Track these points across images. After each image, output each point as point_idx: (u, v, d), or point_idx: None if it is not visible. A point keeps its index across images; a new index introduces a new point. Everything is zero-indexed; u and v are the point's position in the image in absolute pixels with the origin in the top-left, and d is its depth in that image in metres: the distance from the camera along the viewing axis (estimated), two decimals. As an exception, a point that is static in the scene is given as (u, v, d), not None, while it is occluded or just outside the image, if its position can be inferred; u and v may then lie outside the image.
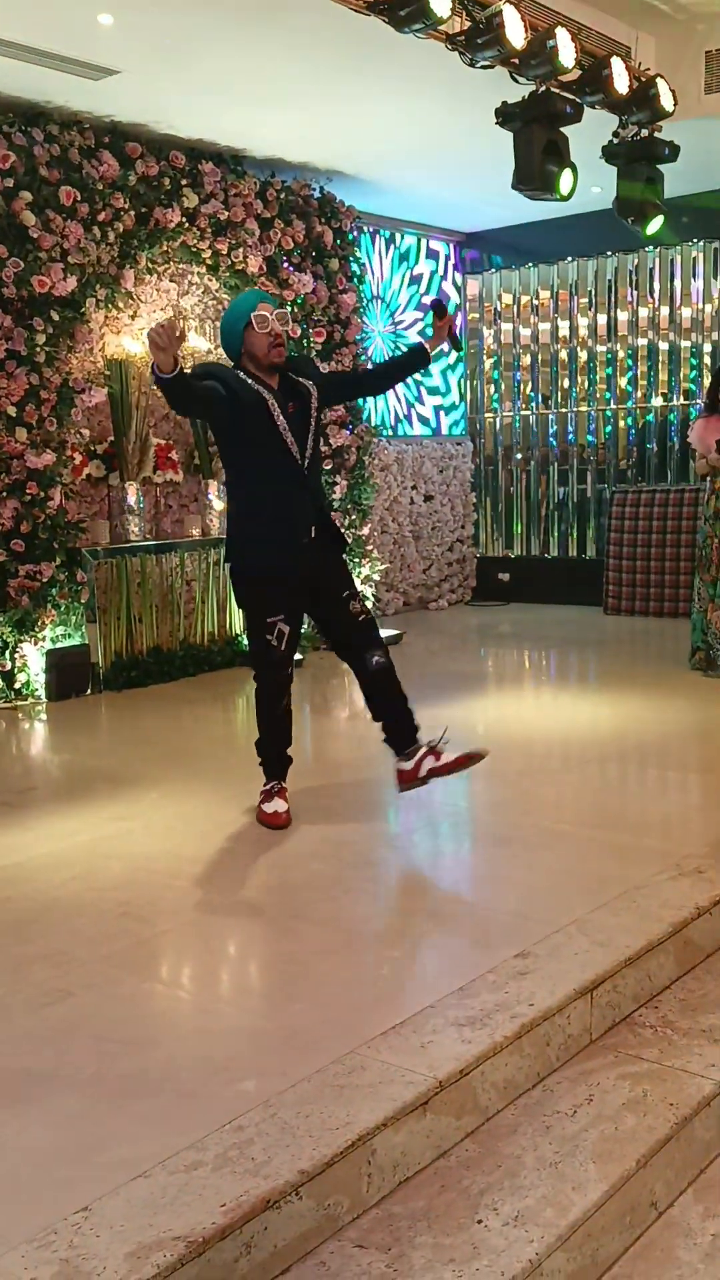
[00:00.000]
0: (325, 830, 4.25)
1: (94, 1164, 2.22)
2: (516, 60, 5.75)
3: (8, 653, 6.51)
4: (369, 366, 4.38)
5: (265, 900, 3.61)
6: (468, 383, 10.80)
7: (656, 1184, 2.54)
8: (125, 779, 4.99)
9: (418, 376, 9.83)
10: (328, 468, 8.16)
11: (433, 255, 10.32)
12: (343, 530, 4.91)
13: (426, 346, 4.36)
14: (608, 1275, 2.38)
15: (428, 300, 4.19)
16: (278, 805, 4.31)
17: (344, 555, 4.42)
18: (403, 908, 3.55)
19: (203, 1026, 2.80)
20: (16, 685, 6.55)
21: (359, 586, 4.86)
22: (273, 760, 4.39)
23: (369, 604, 8.63)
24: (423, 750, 4.27)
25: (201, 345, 7.79)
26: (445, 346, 4.34)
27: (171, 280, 7.55)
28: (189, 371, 3.97)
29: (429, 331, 4.28)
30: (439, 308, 4.35)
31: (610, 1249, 2.39)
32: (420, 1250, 2.19)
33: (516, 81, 5.96)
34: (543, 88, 6.02)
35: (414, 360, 4.44)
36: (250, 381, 4.13)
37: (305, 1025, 2.76)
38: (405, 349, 4.62)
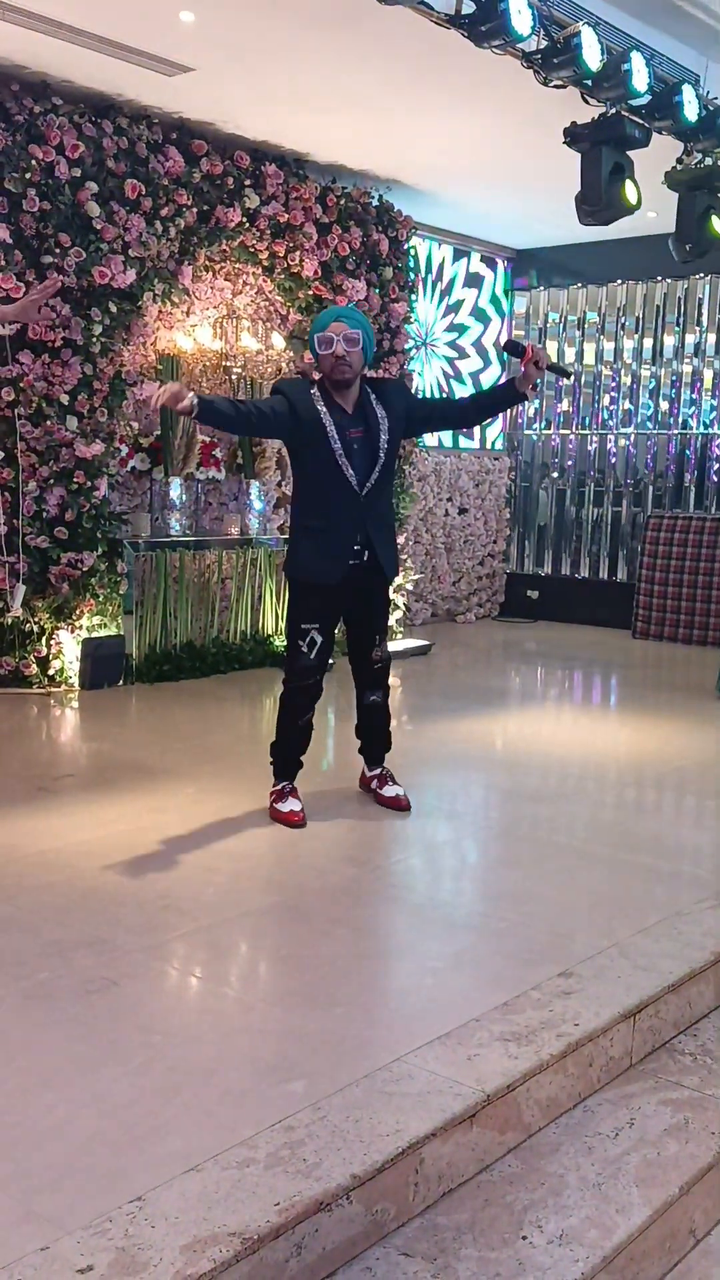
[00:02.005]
0: (358, 836, 4.27)
1: (146, 1154, 2.23)
2: (590, 81, 5.77)
3: (44, 639, 6.54)
4: (461, 397, 4.34)
5: (304, 902, 3.62)
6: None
7: (696, 1211, 2.54)
8: (159, 771, 5.01)
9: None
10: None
11: (480, 270, 10.36)
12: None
13: (517, 386, 4.30)
14: (646, 1300, 2.38)
15: (502, 344, 4.20)
16: (293, 805, 4.42)
17: (388, 591, 4.59)
18: (441, 919, 3.55)
19: (248, 1024, 2.81)
20: (51, 672, 6.58)
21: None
22: (288, 764, 4.50)
23: (399, 613, 8.65)
24: (379, 772, 4.71)
25: (252, 345, 7.82)
26: (554, 377, 4.35)
27: (226, 279, 7.57)
28: (233, 400, 4.12)
29: (518, 371, 4.30)
30: (514, 348, 4.29)
31: (650, 1273, 2.40)
32: (465, 1263, 2.20)
33: (587, 103, 5.98)
34: (613, 110, 6.05)
35: (509, 399, 4.42)
36: (318, 400, 4.18)
37: (349, 1030, 2.77)
38: (499, 385, 4.62)
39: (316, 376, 4.36)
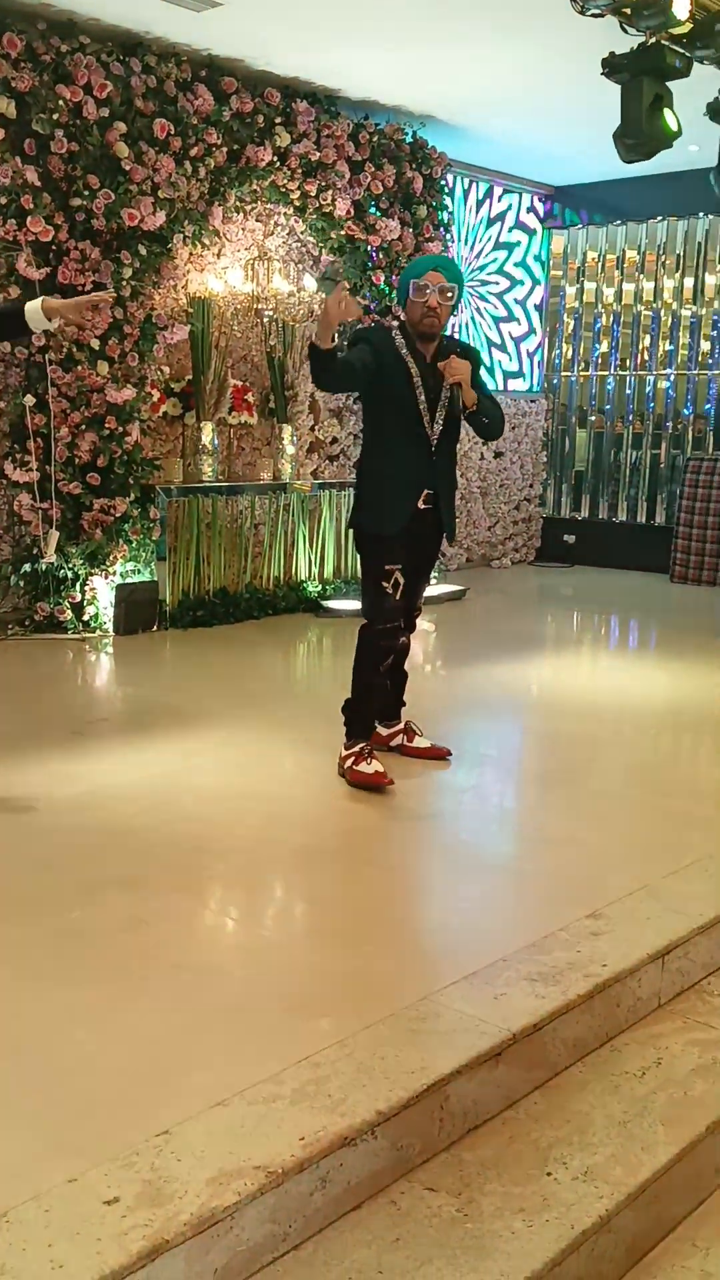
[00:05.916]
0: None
1: (173, 1088, 2.26)
2: (629, 10, 5.60)
3: (78, 585, 6.56)
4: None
5: (334, 844, 3.63)
6: (546, 340, 10.66)
7: (722, 1151, 2.54)
8: (192, 715, 5.03)
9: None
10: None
11: (522, 212, 10.18)
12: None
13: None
14: (670, 1237, 2.39)
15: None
16: (377, 765, 4.18)
17: (441, 547, 4.48)
18: (471, 860, 3.56)
19: (276, 962, 2.83)
20: (85, 617, 6.61)
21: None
22: (367, 721, 4.32)
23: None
24: (400, 726, 4.56)
25: (283, 287, 7.74)
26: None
27: (257, 220, 7.49)
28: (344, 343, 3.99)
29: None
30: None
31: (675, 1211, 2.41)
32: (490, 1197, 2.21)
33: (626, 32, 5.81)
34: (653, 40, 5.88)
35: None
36: (401, 345, 4.11)
37: (377, 968, 2.78)
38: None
39: (391, 324, 4.23)
